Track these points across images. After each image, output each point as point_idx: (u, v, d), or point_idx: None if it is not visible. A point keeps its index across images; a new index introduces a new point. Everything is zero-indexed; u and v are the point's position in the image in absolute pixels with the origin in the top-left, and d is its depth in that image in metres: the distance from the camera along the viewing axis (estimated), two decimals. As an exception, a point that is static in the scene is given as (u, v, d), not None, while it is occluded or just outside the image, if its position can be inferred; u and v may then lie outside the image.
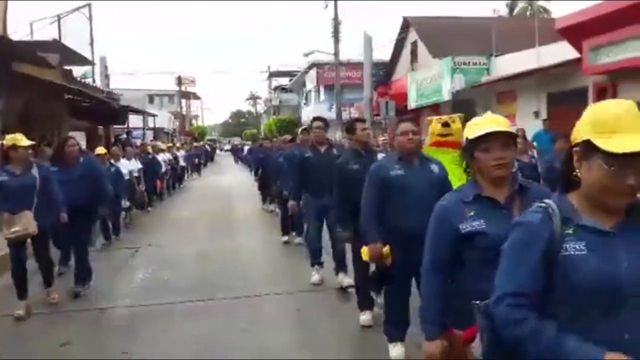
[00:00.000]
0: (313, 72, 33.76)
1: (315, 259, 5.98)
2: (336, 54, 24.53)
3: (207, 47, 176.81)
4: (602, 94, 10.98)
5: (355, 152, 4.67)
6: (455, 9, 57.44)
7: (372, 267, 3.91)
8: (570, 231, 1.45)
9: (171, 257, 7.57)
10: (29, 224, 5.02)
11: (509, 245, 1.54)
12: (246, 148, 30.70)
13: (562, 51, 11.56)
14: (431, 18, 21.68)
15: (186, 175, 22.16)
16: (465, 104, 16.21)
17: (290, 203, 6.44)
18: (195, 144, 34.89)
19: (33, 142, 5.48)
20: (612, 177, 1.39)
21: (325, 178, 5.09)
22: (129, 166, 10.13)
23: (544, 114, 13.05)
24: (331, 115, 26.30)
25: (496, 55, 15.81)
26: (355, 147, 4.72)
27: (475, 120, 2.14)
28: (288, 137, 10.12)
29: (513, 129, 2.19)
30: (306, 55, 28.25)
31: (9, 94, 9.62)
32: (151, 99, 48.54)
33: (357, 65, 24.92)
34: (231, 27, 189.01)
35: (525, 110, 13.71)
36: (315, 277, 5.86)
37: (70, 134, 12.41)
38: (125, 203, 9.07)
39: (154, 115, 26.03)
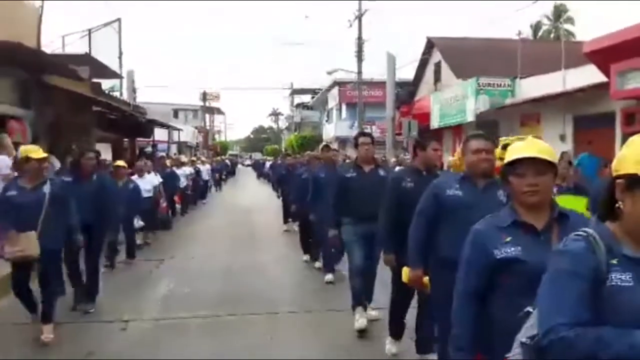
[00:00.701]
0: (335, 90, 33.98)
1: (358, 301, 5.00)
2: (359, 72, 24.69)
3: (232, 64, 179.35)
4: (629, 118, 10.82)
5: (415, 170, 4.24)
6: (480, 31, 57.52)
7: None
8: (614, 261, 1.42)
9: (193, 271, 7.63)
10: (29, 245, 4.54)
11: (553, 274, 1.49)
12: (268, 163, 30.80)
13: (588, 74, 11.44)
14: (455, 39, 21.70)
15: (212, 190, 22.42)
16: (488, 126, 16.11)
17: (331, 233, 5.37)
18: (216, 158, 34.81)
19: (46, 155, 5.12)
20: None
21: (371, 202, 4.48)
22: (154, 181, 9.88)
23: (569, 138, 12.89)
24: (352, 132, 26.43)
25: (521, 78, 15.71)
26: (417, 166, 4.28)
27: (517, 144, 2.10)
28: (318, 152, 8.64)
29: (558, 153, 2.18)
30: (329, 73, 28.53)
31: (39, 105, 9.88)
32: (176, 113, 49.29)
33: (380, 84, 25.02)
34: (256, 44, 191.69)
35: (550, 134, 13.54)
36: (360, 321, 4.88)
37: (97, 145, 12.69)
38: (139, 223, 8.43)
39: (178, 130, 26.37)
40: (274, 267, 8.02)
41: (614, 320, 1.39)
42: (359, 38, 24.24)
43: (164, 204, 10.52)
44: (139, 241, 9.09)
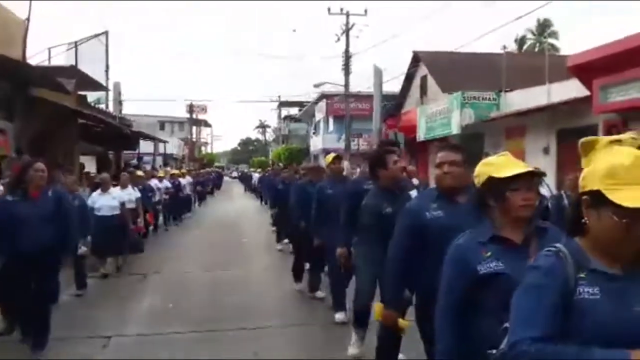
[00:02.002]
0: (322, 103, 34.13)
1: (361, 326, 4.50)
2: (346, 85, 24.85)
3: (220, 76, 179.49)
4: (611, 132, 10.98)
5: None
6: (464, 44, 58.43)
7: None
8: (583, 275, 1.46)
9: (177, 286, 7.53)
10: None
11: (523, 289, 1.53)
12: (256, 175, 29.85)
13: (572, 88, 11.63)
14: (441, 53, 21.94)
15: (195, 204, 21.26)
16: (474, 139, 16.27)
17: (340, 250, 4.76)
18: (201, 170, 33.01)
19: None
20: (623, 230, 1.40)
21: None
22: (124, 196, 8.54)
23: (553, 151, 13.04)
24: (340, 145, 26.52)
25: (506, 91, 15.90)
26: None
27: (502, 160, 2.11)
28: (326, 163, 6.96)
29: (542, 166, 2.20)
30: (316, 86, 28.72)
31: (24, 118, 9.76)
32: (162, 125, 49.10)
33: (367, 97, 25.19)
34: (244, 56, 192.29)
35: (534, 146, 13.71)
36: (352, 350, 4.55)
37: (82, 158, 12.53)
38: (81, 248, 6.18)
39: (164, 142, 26.28)
40: (261, 281, 7.95)
41: (581, 333, 1.41)
42: (346, 52, 24.44)
43: (140, 223, 9.44)
44: (110, 269, 8.17)
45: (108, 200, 8.05)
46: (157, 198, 12.85)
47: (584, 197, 1.47)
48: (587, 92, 11.05)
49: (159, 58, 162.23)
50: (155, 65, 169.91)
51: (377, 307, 3.19)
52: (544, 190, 8.20)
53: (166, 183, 14.92)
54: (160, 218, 14.27)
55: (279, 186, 10.69)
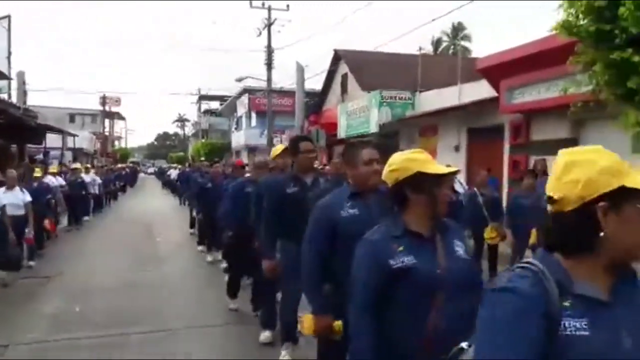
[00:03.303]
0: (245, 98, 33.70)
1: (289, 335, 4.32)
2: (269, 80, 24.70)
3: (137, 68, 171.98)
4: (516, 131, 11.73)
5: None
6: (384, 44, 60.14)
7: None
8: (567, 304, 1.17)
9: (85, 289, 7.11)
10: None
11: (493, 319, 1.20)
12: (174, 172, 27.40)
13: (482, 89, 12.29)
14: (361, 52, 22.38)
15: (104, 203, 19.05)
16: (390, 136, 16.79)
17: (267, 263, 4.26)
18: (111, 166, 29.73)
19: None
20: None
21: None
22: (3, 200, 7.33)
23: (463, 148, 13.72)
24: (262, 141, 26.37)
25: (420, 91, 16.54)
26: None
27: (416, 156, 2.09)
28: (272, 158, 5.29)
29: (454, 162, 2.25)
30: (239, 80, 28.23)
31: None
32: (72, 117, 46.31)
33: (290, 93, 25.19)
34: (162, 49, 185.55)
35: (446, 144, 14.36)
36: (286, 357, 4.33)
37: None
38: None
39: (74, 135, 24.78)
40: (173, 281, 7.69)
41: None
42: (269, 46, 24.27)
43: (30, 233, 7.77)
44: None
45: (14, 199, 7.53)
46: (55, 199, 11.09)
47: (600, 204, 1.20)
48: (495, 93, 11.73)
49: (71, 47, 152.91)
50: (66, 54, 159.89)
51: (305, 319, 2.77)
52: (458, 187, 8.61)
53: (61, 180, 13.02)
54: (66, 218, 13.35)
55: (206, 185, 9.14)
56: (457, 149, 13.77)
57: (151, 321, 5.58)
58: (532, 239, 6.24)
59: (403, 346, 1.97)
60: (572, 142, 10.46)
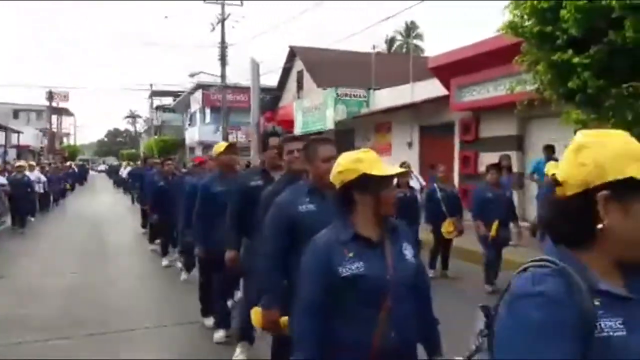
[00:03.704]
0: (199, 93, 33.16)
1: (246, 333, 4.23)
2: (223, 76, 24.41)
3: (85, 63, 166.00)
4: (465, 128, 12.10)
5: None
6: (338, 40, 60.56)
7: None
8: (597, 302, 1.04)
9: (31, 290, 6.84)
10: None
11: (523, 327, 1.04)
12: (124, 170, 25.66)
13: (433, 88, 12.59)
14: (316, 49, 22.45)
15: (52, 203, 18.11)
16: (345, 133, 16.96)
17: (230, 253, 4.11)
18: (58, 164, 27.66)
19: None
20: None
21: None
22: None
23: (416, 145, 14.03)
24: (217, 137, 26.03)
25: (375, 89, 16.77)
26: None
27: (362, 156, 2.04)
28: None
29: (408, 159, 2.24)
30: (192, 75, 27.82)
31: None
32: (16, 113, 44.31)
33: (245, 89, 24.94)
34: (112, 43, 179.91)
35: (399, 141, 14.65)
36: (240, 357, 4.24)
37: None
38: None
39: (18, 132, 23.77)
40: (127, 281, 7.50)
41: None
42: (222, 42, 23.97)
43: None
44: None
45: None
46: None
47: (602, 193, 1.07)
48: (446, 92, 12.05)
49: (17, 41, 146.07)
50: (11, 49, 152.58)
51: (254, 313, 2.75)
52: (414, 183, 8.80)
53: (2, 179, 12.65)
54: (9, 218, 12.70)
55: (159, 183, 8.45)
56: (410, 145, 14.06)
57: (102, 323, 5.42)
58: (492, 231, 6.39)
59: (348, 349, 1.94)
60: (518, 139, 10.90)
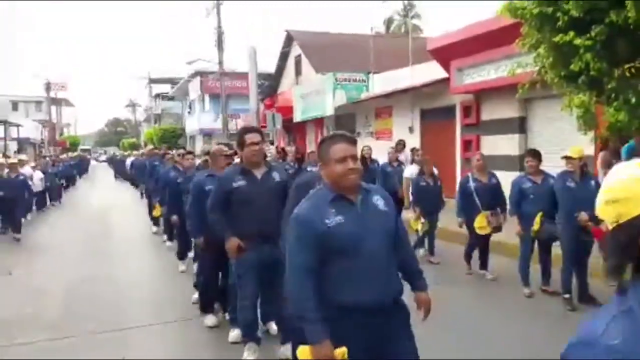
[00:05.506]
0: (197, 81, 32.90)
1: (251, 334, 4.12)
2: (220, 62, 24.16)
3: (81, 50, 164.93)
4: (467, 111, 11.96)
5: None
6: (337, 25, 59.77)
7: None
8: None
9: (37, 288, 6.84)
10: None
11: None
12: (129, 160, 22.81)
13: (433, 70, 12.41)
14: (313, 33, 22.20)
15: (48, 202, 16.35)
16: (346, 119, 16.82)
17: (230, 242, 3.94)
18: (58, 155, 26.37)
19: None
20: None
21: (267, 216, 3.77)
22: None
23: (417, 129, 13.90)
24: (217, 125, 25.86)
25: (374, 73, 16.56)
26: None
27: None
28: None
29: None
30: (189, 63, 27.51)
31: None
32: (15, 105, 44.17)
33: (243, 75, 24.69)
34: (109, 31, 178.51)
35: (400, 125, 14.51)
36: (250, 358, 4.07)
37: None
38: None
39: (17, 125, 23.69)
40: (132, 279, 7.46)
41: None
42: (219, 27, 23.67)
43: None
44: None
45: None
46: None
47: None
48: (445, 75, 11.88)
49: (7, 29, 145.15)
50: (8, 41, 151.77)
51: (300, 353, 2.29)
52: (402, 159, 9.00)
53: None
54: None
55: (177, 180, 7.25)
56: (411, 130, 13.93)
57: (107, 321, 5.41)
58: (535, 225, 5.59)
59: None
60: (520, 120, 10.77)
